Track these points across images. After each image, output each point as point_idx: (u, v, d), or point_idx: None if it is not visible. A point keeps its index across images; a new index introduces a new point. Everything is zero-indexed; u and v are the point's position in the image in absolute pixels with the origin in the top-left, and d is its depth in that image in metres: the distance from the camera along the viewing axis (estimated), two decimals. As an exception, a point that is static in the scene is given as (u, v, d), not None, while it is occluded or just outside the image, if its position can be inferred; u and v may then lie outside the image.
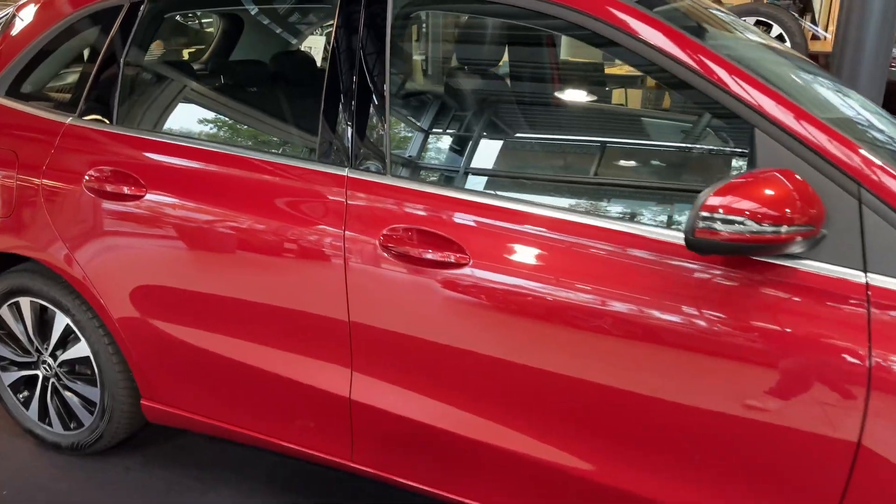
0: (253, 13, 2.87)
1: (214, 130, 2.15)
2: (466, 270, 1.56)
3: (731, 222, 1.24)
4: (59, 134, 2.08)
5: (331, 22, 1.80)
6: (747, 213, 1.23)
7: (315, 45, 3.29)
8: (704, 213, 1.25)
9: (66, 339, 2.20)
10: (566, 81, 2.27)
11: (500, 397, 1.60)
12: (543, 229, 1.52)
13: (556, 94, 2.17)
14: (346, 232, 1.68)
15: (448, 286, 1.58)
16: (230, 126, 2.19)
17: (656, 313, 1.41)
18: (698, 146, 1.76)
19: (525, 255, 1.53)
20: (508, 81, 2.19)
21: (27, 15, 2.32)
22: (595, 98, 2.25)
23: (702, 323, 1.38)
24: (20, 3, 2.41)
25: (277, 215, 1.75)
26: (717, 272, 1.38)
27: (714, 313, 1.37)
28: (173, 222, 1.87)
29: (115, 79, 2.06)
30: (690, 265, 1.40)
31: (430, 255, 1.59)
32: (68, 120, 2.09)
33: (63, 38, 2.21)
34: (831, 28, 7.44)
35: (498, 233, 1.55)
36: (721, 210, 1.23)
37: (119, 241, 1.97)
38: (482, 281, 1.55)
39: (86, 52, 2.17)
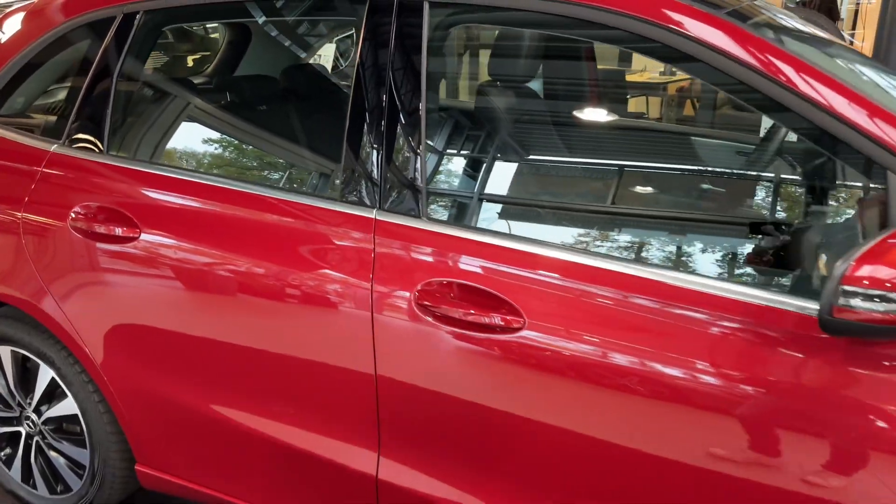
0: (261, 22, 2.61)
1: (219, 162, 1.89)
2: (522, 334, 1.29)
3: (872, 297, 0.98)
4: (43, 163, 1.83)
5: (348, 31, 1.52)
6: (888, 285, 0.97)
7: (326, 54, 3.04)
8: (845, 287, 0.98)
9: (52, 393, 1.94)
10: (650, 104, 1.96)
11: (564, 481, 1.34)
12: (625, 293, 1.25)
13: (640, 118, 1.85)
14: (375, 286, 1.41)
15: (498, 352, 1.31)
16: (236, 156, 1.93)
17: (788, 403, 1.14)
18: (823, 183, 1.47)
19: (595, 320, 1.26)
20: (574, 104, 1.88)
21: (10, 28, 2.06)
22: (689, 124, 1.94)
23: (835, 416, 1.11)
24: (5, 12, 2.17)
25: (292, 263, 1.49)
26: (850, 350, 1.11)
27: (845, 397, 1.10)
28: (170, 268, 1.61)
29: (106, 101, 1.80)
30: (827, 341, 1.13)
31: (475, 317, 1.32)
32: (53, 147, 1.83)
33: (49, 52, 1.95)
34: (856, 32, 7.21)
35: (561, 294, 1.29)
36: (867, 282, 0.97)
37: (109, 288, 1.71)
38: (540, 347, 1.28)
39: (73, 71, 1.91)
